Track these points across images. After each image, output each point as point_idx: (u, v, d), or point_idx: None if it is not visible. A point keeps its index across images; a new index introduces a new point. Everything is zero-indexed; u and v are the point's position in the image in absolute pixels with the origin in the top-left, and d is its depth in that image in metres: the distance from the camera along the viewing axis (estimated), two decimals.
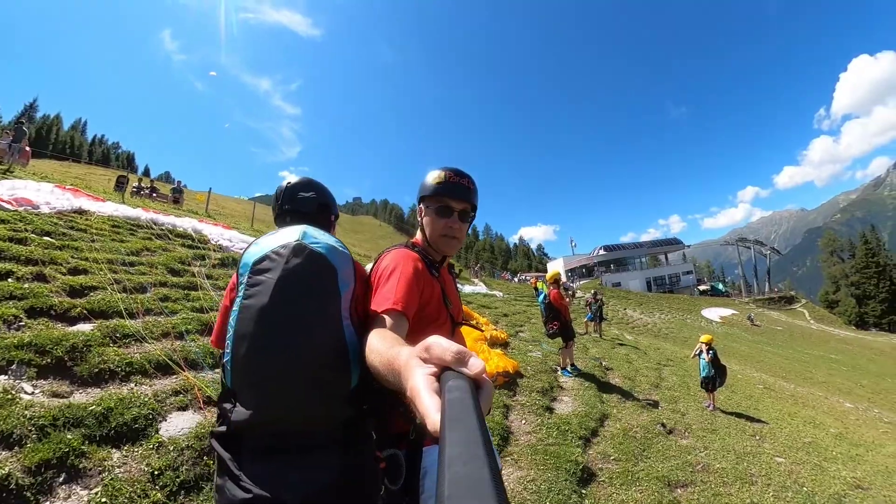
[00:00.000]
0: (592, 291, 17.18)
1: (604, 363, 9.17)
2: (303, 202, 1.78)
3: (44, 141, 75.00)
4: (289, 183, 1.83)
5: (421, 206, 1.68)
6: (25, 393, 2.82)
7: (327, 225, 1.82)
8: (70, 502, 2.21)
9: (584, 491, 3.82)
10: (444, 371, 0.57)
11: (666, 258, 65.83)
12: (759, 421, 7.38)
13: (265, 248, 1.30)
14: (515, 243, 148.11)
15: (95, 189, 14.80)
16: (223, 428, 1.15)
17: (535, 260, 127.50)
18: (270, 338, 1.16)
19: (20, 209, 7.20)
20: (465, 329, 7.15)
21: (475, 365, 0.55)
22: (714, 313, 38.88)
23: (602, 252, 65.63)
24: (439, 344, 0.60)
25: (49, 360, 3.18)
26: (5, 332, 3.37)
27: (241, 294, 1.26)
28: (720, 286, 65.72)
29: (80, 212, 8.53)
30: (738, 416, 7.46)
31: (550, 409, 5.62)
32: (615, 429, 5.33)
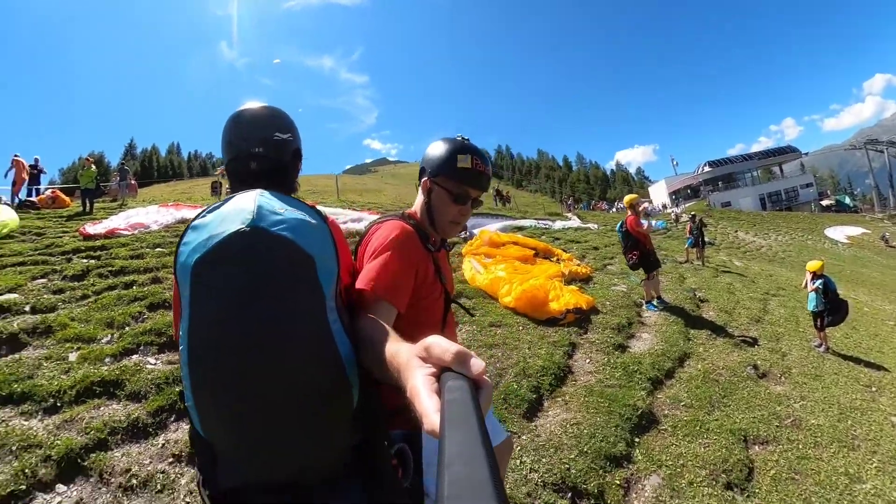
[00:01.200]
0: (691, 214, 15.64)
1: (698, 294, 8.30)
2: (280, 145, 1.30)
3: (148, 170, 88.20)
4: (249, 111, 1.32)
5: (431, 180, 1.50)
6: (150, 364, 3.77)
7: (295, 175, 1.41)
8: (178, 433, 3.00)
9: (636, 439, 3.48)
10: (444, 371, 0.57)
11: (781, 170, 56.71)
12: (880, 368, 6.18)
13: (208, 240, 0.93)
14: (612, 169, 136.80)
15: (196, 199, 17.64)
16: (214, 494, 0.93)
17: (635, 185, 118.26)
18: (240, 367, 0.87)
19: (135, 232, 8.79)
20: (540, 265, 6.69)
21: (475, 365, 0.55)
22: (839, 233, 33.16)
23: (707, 169, 57.88)
24: (439, 344, 0.60)
25: (165, 339, 4.16)
26: (134, 324, 4.48)
27: (187, 306, 0.93)
28: (847, 200, 56.55)
29: (183, 221, 10.12)
30: (855, 360, 6.35)
31: (623, 348, 5.22)
32: (695, 370, 4.82)
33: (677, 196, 58.03)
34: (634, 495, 2.95)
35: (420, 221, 1.54)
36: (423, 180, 1.53)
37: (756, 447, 3.60)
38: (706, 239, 14.21)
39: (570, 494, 2.89)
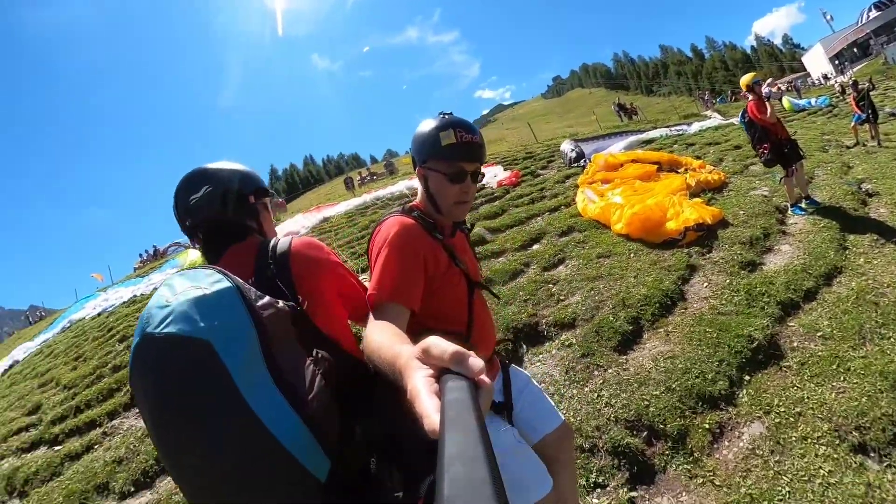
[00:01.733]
0: (852, 81, 12.52)
1: (866, 188, 6.51)
2: (200, 207, 1.29)
3: (292, 185, 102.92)
4: (177, 188, 1.34)
5: (423, 167, 1.48)
6: None
7: (251, 213, 1.38)
8: None
9: (746, 377, 2.97)
10: (443, 372, 0.57)
11: None
12: None
13: (134, 340, 0.91)
14: (752, 46, 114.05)
15: (334, 197, 20.13)
16: None
17: (785, 58, 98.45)
18: (180, 481, 0.89)
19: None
20: (664, 179, 6.19)
21: (474, 365, 0.54)
22: None
23: (874, 14, 43.96)
24: (437, 345, 0.60)
25: None
26: None
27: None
28: None
29: (325, 220, 12.51)
30: None
31: (752, 266, 4.46)
32: (847, 290, 3.85)
33: (840, 59, 45.80)
34: (726, 443, 2.55)
35: (425, 211, 1.50)
36: (416, 170, 1.51)
37: None
38: (886, 110, 11.39)
39: (645, 433, 2.64)
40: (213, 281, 0.94)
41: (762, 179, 7.28)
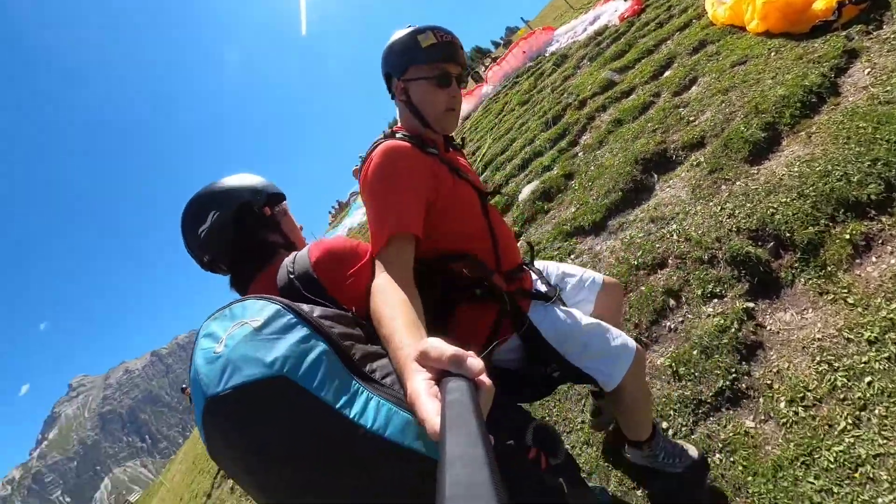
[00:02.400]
0: None
1: None
2: (213, 237, 1.21)
3: None
4: (182, 223, 1.24)
5: (402, 79, 1.38)
6: None
7: (272, 227, 1.29)
8: None
9: None
10: (443, 374, 0.57)
11: None
12: None
13: (197, 409, 0.80)
14: None
15: None
16: None
17: None
18: None
19: None
20: None
21: (473, 365, 0.54)
22: None
23: None
24: (435, 348, 0.59)
25: None
26: None
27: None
28: None
29: None
30: None
31: None
32: None
33: None
34: (872, 259, 2.13)
35: (411, 131, 1.38)
36: (394, 87, 1.42)
37: None
38: None
39: (771, 244, 2.45)
40: (256, 309, 0.83)
41: None
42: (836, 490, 1.54)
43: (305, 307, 0.86)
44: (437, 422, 0.50)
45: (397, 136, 1.34)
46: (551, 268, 1.84)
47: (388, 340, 0.85)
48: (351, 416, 0.74)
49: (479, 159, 8.63)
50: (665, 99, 4.97)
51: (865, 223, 2.27)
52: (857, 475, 1.54)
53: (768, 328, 2.18)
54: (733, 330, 2.21)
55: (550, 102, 7.97)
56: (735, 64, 4.54)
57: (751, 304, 2.29)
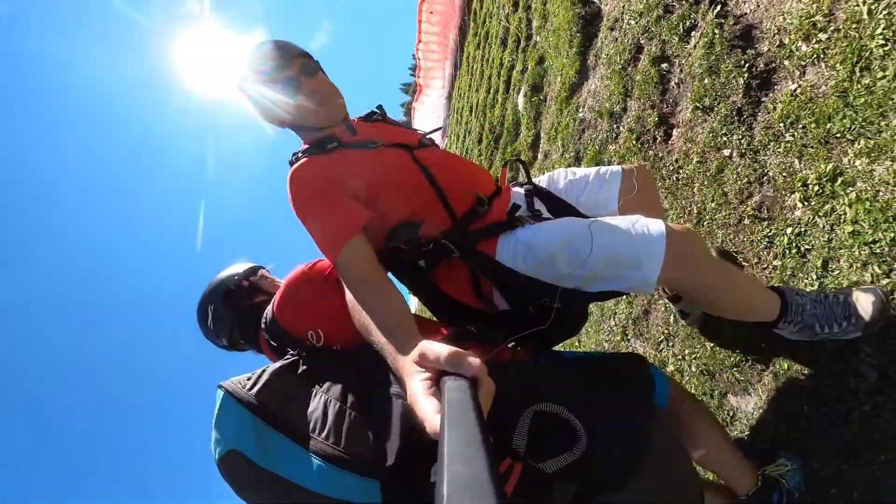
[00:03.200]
0: None
1: None
2: (219, 326, 1.46)
3: None
4: (200, 328, 1.50)
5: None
6: None
7: (254, 294, 1.47)
8: None
9: None
10: (442, 374, 0.57)
11: None
12: None
13: None
14: None
15: None
16: None
17: None
18: None
19: None
20: None
21: (471, 364, 0.54)
22: None
23: None
24: (432, 349, 0.60)
25: None
26: None
27: None
28: None
29: None
30: None
31: None
32: None
33: None
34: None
35: (312, 140, 1.35)
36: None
37: None
38: None
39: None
40: (217, 399, 0.98)
41: None
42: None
43: (248, 383, 0.99)
44: (435, 421, 0.50)
45: (296, 155, 1.31)
46: (559, 176, 1.56)
47: (382, 349, 0.86)
48: (285, 475, 0.86)
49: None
50: None
51: None
52: None
53: (744, 9, 2.05)
54: (718, 36, 2.09)
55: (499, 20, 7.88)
56: None
57: (718, 7, 2.16)
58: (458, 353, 0.56)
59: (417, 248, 1.23)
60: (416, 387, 0.58)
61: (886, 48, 1.40)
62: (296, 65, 1.33)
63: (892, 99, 1.37)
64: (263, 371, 1.02)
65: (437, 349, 0.59)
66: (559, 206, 1.44)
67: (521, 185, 1.54)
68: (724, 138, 2.00)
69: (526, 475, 0.85)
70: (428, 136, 1.50)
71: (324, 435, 0.88)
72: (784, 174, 1.68)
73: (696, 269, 1.14)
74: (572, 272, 1.14)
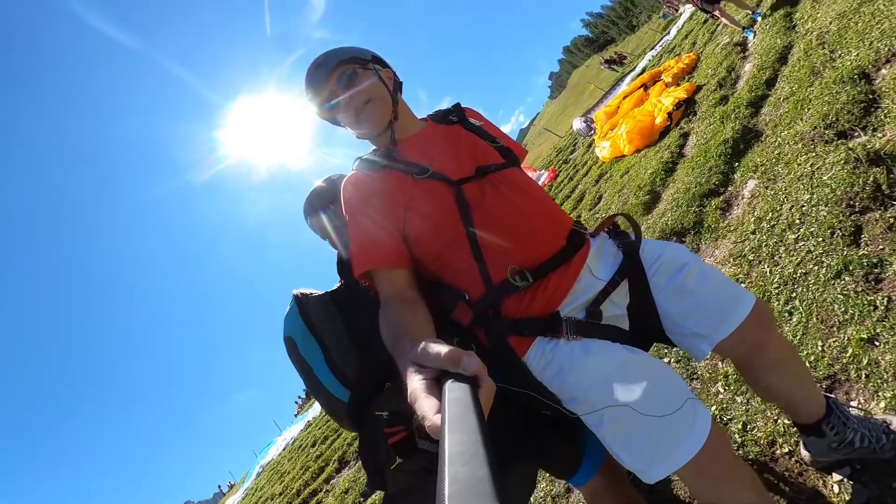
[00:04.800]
0: None
1: None
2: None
3: None
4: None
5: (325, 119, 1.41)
6: None
7: None
8: None
9: (735, 163, 3.58)
10: (442, 373, 0.56)
11: None
12: None
13: None
14: None
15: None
16: None
17: None
18: None
19: None
20: (652, 94, 7.35)
21: (469, 363, 0.52)
22: None
23: None
24: (432, 348, 0.59)
25: None
26: None
27: None
28: None
29: None
30: None
31: (725, 99, 4.97)
32: (797, 54, 4.31)
33: None
34: (735, 210, 3.12)
35: (377, 148, 1.33)
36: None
37: (882, 70, 3.00)
38: None
39: (673, 238, 3.34)
40: (290, 301, 1.38)
41: (723, 32, 7.68)
42: None
43: (312, 300, 1.39)
44: (435, 420, 0.49)
45: (355, 162, 1.30)
46: (674, 261, 1.20)
47: (395, 358, 0.87)
48: (311, 366, 1.32)
49: None
50: (583, 216, 6.27)
51: (720, 197, 3.36)
52: None
53: None
54: None
55: None
56: (622, 174, 6.00)
57: None
58: (459, 351, 0.55)
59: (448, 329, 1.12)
60: (416, 385, 0.57)
61: None
62: (332, 81, 1.27)
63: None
64: (315, 295, 1.41)
65: (438, 347, 0.58)
66: (640, 309, 1.18)
67: (622, 246, 1.23)
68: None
69: (408, 442, 1.05)
70: (506, 149, 1.30)
71: (334, 353, 1.32)
72: (709, 372, 2.13)
73: (712, 487, 0.99)
74: (583, 412, 1.03)
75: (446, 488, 0.32)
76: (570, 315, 1.10)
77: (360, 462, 1.44)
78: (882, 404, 1.48)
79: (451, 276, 1.15)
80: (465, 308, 1.11)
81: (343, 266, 1.47)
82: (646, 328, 1.19)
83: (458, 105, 1.41)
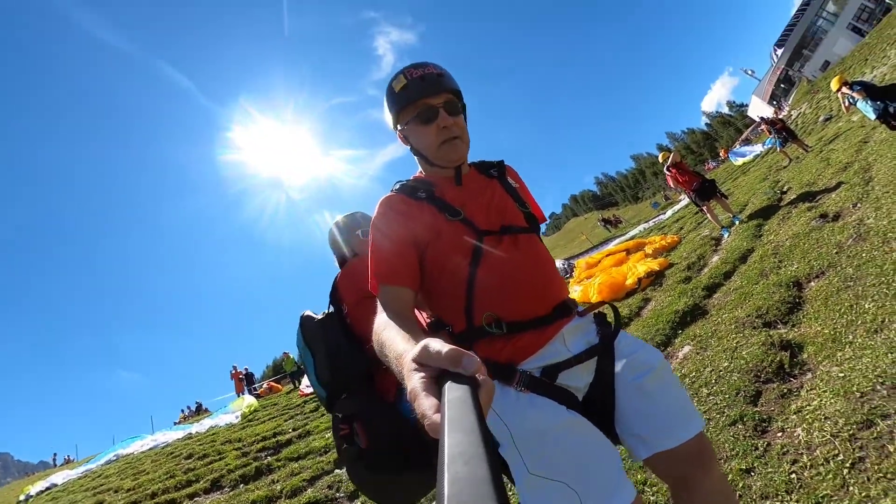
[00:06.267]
0: (767, 117, 14.32)
1: (783, 188, 8.15)
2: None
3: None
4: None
5: (399, 130, 1.35)
6: None
7: None
8: None
9: (679, 331, 3.95)
10: (442, 373, 0.56)
11: None
12: None
13: None
14: (706, 122, 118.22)
15: None
16: None
17: (736, 120, 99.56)
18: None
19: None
20: (632, 259, 8.14)
21: (469, 364, 0.53)
22: None
23: (779, 52, 48.21)
24: (431, 347, 0.59)
25: None
26: None
27: None
28: None
29: None
30: None
31: (689, 279, 5.54)
32: (756, 257, 4.98)
33: (776, 98, 48.55)
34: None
35: (418, 176, 1.37)
36: (397, 133, 1.38)
37: (812, 283, 3.61)
38: (821, 119, 13.37)
39: None
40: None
41: (706, 226, 8.65)
42: None
43: (315, 320, 1.90)
44: (435, 419, 0.49)
45: (396, 185, 1.33)
46: (643, 361, 1.22)
47: (390, 361, 0.87)
48: (308, 372, 1.84)
49: None
50: None
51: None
52: None
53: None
54: None
55: None
56: None
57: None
58: (459, 351, 0.55)
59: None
60: (416, 384, 0.57)
61: None
62: (442, 96, 1.28)
63: None
64: (311, 318, 1.90)
65: (438, 347, 0.58)
66: (598, 393, 1.19)
67: (600, 332, 1.25)
68: None
69: (349, 436, 1.66)
70: (532, 215, 1.36)
71: (318, 363, 1.80)
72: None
73: None
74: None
75: (446, 488, 0.32)
76: (526, 369, 1.13)
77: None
78: None
79: (441, 307, 1.23)
80: (448, 338, 1.15)
81: (333, 295, 1.93)
82: (597, 413, 1.17)
83: (501, 162, 1.46)
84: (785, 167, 11.38)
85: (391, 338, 0.93)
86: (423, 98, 1.25)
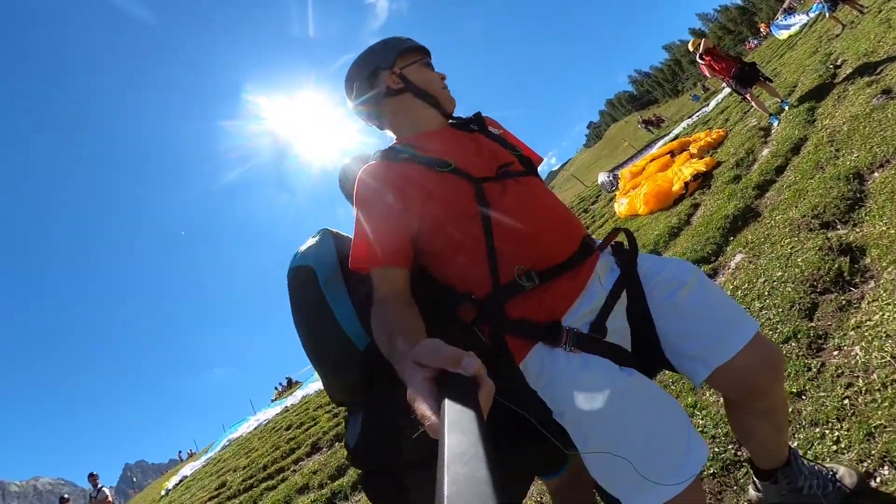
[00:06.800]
0: None
1: (836, 62, 7.45)
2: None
3: None
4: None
5: (397, 68, 1.29)
6: None
7: None
8: None
9: (730, 238, 3.86)
10: (442, 373, 0.56)
11: None
12: None
13: None
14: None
15: None
16: None
17: None
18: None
19: None
20: (678, 161, 7.85)
21: (469, 364, 0.52)
22: None
23: None
24: (430, 348, 0.58)
25: None
26: None
27: None
28: None
29: None
30: None
31: (738, 178, 5.30)
32: (809, 147, 4.63)
33: None
34: (720, 277, 3.42)
35: (398, 140, 1.31)
36: (383, 80, 1.30)
37: (875, 174, 3.32)
38: None
39: None
40: (320, 231, 1.32)
41: (753, 115, 8.08)
42: None
43: (348, 241, 1.23)
44: (435, 420, 0.49)
45: (374, 157, 1.26)
46: (672, 278, 1.17)
47: (392, 357, 0.86)
48: (331, 304, 1.17)
49: None
50: None
51: (709, 265, 3.54)
52: None
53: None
54: None
55: None
56: (635, 231, 6.30)
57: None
58: (459, 352, 0.55)
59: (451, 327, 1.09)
60: (416, 385, 0.56)
61: None
62: (418, 55, 1.32)
63: None
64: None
65: (438, 347, 0.58)
66: (638, 327, 1.14)
67: (619, 261, 1.20)
68: None
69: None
70: (526, 158, 1.28)
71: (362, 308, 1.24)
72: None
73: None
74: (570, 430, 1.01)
75: (446, 489, 0.32)
76: (572, 326, 1.04)
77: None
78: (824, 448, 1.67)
79: (457, 273, 1.12)
80: (470, 307, 1.07)
81: None
82: (645, 349, 1.14)
83: (478, 114, 1.36)
84: (837, 35, 10.28)
85: (390, 334, 0.91)
86: (423, 53, 1.33)
